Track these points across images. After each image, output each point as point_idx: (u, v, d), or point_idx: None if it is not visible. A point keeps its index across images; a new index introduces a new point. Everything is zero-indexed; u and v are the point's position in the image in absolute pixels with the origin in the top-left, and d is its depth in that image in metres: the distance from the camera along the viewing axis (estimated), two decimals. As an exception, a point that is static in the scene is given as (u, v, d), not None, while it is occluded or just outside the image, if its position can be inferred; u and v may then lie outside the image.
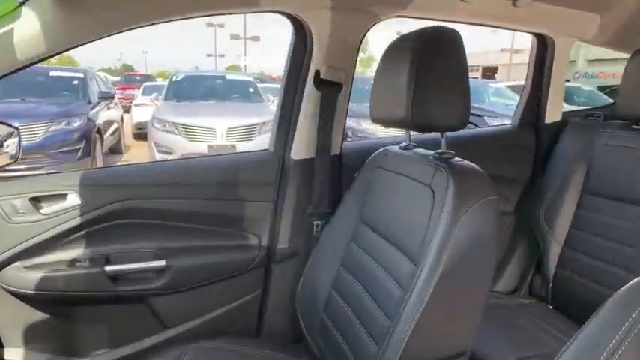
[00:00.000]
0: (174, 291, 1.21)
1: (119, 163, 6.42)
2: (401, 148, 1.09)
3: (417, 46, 0.86)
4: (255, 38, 27.98)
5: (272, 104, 6.75)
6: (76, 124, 5.13)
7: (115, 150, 6.99)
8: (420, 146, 1.07)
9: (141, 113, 8.28)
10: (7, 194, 1.04)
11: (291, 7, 1.17)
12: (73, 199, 1.09)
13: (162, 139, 5.42)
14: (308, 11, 1.18)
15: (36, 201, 1.08)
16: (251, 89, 6.95)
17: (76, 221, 1.09)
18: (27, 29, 0.76)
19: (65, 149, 4.90)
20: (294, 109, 1.31)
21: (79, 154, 5.01)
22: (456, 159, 0.92)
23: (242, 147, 5.45)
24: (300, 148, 1.30)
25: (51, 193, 1.08)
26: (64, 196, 1.09)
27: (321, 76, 1.24)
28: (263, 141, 5.66)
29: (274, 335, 1.32)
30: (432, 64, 0.86)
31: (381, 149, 1.13)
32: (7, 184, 1.07)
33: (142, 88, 11.26)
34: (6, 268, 1.06)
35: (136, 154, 7.13)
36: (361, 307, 0.95)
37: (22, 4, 0.78)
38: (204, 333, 1.24)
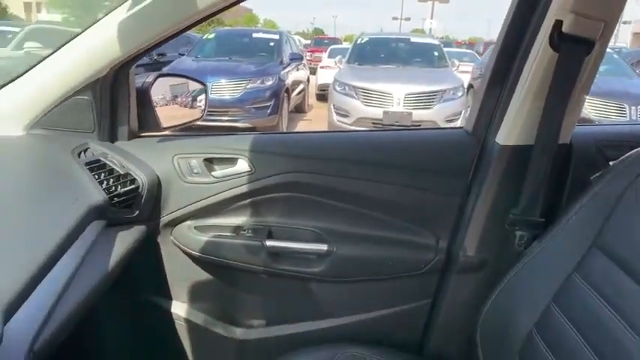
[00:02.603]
0: (334, 280, 1.11)
1: (295, 129, 6.87)
2: None
3: None
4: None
5: (457, 70, 6.28)
6: (269, 82, 5.68)
7: (300, 109, 7.56)
8: None
9: (325, 75, 8.72)
10: (186, 152, 1.06)
11: None
12: (243, 165, 1.06)
13: (341, 101, 5.56)
14: None
15: (209, 162, 1.07)
16: (436, 53, 6.58)
17: (244, 188, 1.05)
18: None
19: (258, 105, 5.52)
20: (510, 76, 0.99)
21: (269, 110, 5.58)
22: None
23: (418, 115, 5.26)
24: (513, 129, 0.98)
25: (223, 156, 1.07)
26: (234, 160, 1.07)
27: (563, 30, 0.88)
28: (440, 110, 5.36)
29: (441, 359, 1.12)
30: None
31: None
32: (187, 141, 1.10)
33: (327, 51, 11.82)
34: (179, 225, 1.10)
35: (317, 114, 7.57)
36: None
37: None
38: (360, 334, 1.13)
